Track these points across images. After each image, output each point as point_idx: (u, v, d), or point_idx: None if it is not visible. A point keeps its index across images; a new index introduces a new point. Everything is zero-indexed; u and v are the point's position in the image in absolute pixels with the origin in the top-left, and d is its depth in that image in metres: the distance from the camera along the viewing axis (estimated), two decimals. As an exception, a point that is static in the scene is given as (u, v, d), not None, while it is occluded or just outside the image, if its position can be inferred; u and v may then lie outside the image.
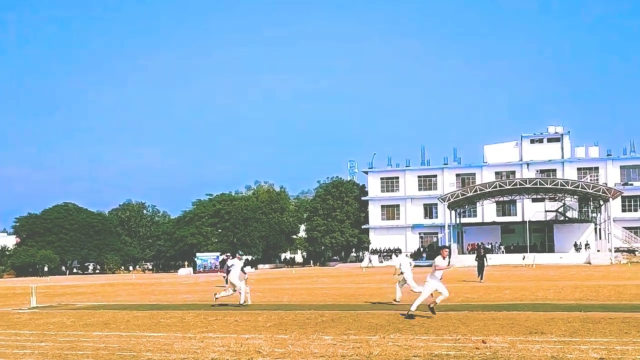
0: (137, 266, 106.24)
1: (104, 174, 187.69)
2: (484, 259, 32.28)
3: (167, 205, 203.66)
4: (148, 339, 12.34)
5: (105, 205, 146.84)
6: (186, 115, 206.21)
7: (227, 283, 34.13)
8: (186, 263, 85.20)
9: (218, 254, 77.84)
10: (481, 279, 31.02)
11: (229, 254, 40.72)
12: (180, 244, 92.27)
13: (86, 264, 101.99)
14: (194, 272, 75.56)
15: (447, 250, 16.36)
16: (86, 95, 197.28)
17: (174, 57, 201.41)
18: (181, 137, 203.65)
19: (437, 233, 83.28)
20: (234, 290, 20.16)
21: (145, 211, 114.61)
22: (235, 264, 20.24)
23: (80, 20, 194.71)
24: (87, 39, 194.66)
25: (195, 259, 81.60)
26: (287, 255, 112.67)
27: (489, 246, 72.37)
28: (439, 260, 15.29)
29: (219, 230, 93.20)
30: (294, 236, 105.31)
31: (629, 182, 78.52)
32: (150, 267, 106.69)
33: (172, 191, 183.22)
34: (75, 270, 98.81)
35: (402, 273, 18.93)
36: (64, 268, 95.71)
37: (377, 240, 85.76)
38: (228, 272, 35.29)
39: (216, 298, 20.30)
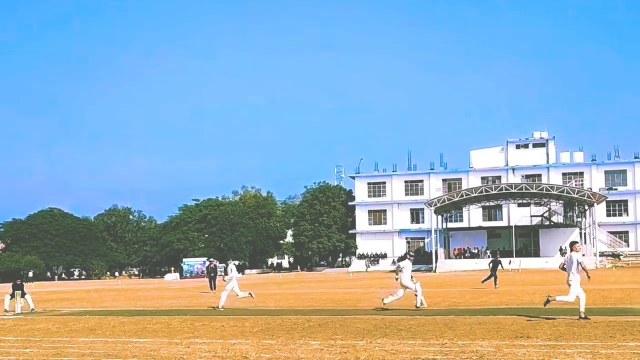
0: (123, 272, 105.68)
1: (90, 179, 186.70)
2: (499, 264, 31.05)
3: (153, 211, 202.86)
4: (134, 345, 12.29)
5: (91, 211, 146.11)
6: (173, 120, 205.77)
7: (211, 289, 34.10)
8: (173, 268, 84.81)
9: (205, 259, 77.57)
10: (495, 284, 29.70)
11: (212, 259, 40.62)
12: (166, 249, 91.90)
13: (72, 270, 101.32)
14: (181, 278, 75.24)
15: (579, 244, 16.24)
16: (73, 99, 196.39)
17: (163, 62, 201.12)
18: (168, 141, 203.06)
19: (423, 238, 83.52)
20: (412, 292, 19.21)
21: (131, 216, 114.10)
22: (406, 265, 19.39)
23: (62, 22, 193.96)
24: (73, 43, 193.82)
25: (182, 265, 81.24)
26: (274, 260, 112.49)
27: (475, 251, 72.63)
28: (580, 257, 14.77)
29: (206, 236, 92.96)
30: (281, 241, 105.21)
31: (613, 187, 79.21)
32: (136, 273, 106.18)
33: (158, 196, 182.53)
34: (63, 276, 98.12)
35: (229, 279, 21.26)
36: (49, 274, 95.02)
37: (364, 245, 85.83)
38: (211, 277, 35.33)
39: (384, 304, 18.84)
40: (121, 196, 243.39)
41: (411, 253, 68.38)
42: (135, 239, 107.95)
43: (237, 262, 25.37)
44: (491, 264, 30.81)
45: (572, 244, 15.30)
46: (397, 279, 19.31)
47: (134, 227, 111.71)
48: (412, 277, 19.14)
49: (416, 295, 19.04)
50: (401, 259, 21.27)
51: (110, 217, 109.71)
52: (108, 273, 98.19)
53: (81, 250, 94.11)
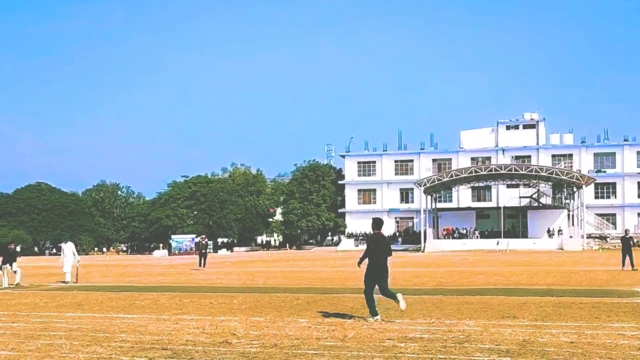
0: (111, 247, 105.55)
1: (78, 154, 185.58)
2: (630, 242, 27.02)
3: (142, 187, 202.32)
4: (122, 321, 12.27)
5: (79, 186, 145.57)
6: (162, 97, 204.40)
7: (200, 265, 34.06)
8: (161, 245, 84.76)
9: (193, 236, 77.58)
10: (632, 266, 25.71)
11: (204, 236, 40.50)
12: (155, 226, 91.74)
13: (59, 245, 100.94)
14: (169, 254, 75.24)
15: None
16: (61, 74, 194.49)
17: (150, 39, 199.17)
18: (157, 117, 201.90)
19: (412, 218, 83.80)
20: None
21: (119, 192, 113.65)
22: None
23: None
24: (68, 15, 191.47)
25: (171, 241, 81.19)
26: (263, 238, 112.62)
27: (464, 231, 73.01)
28: None
29: (195, 213, 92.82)
30: (270, 219, 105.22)
31: (602, 170, 79.64)
32: (124, 249, 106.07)
33: (147, 172, 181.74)
34: (54, 251, 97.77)
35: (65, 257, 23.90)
36: (36, 249, 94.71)
37: (353, 224, 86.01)
38: (201, 253, 35.25)
39: None
40: (109, 172, 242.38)
41: None
42: (123, 215, 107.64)
43: (66, 241, 25.63)
44: (622, 244, 27.13)
45: None
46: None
47: (122, 203, 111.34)
48: None
49: None
50: None
51: (98, 192, 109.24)
52: (96, 249, 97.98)
53: (69, 225, 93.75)
